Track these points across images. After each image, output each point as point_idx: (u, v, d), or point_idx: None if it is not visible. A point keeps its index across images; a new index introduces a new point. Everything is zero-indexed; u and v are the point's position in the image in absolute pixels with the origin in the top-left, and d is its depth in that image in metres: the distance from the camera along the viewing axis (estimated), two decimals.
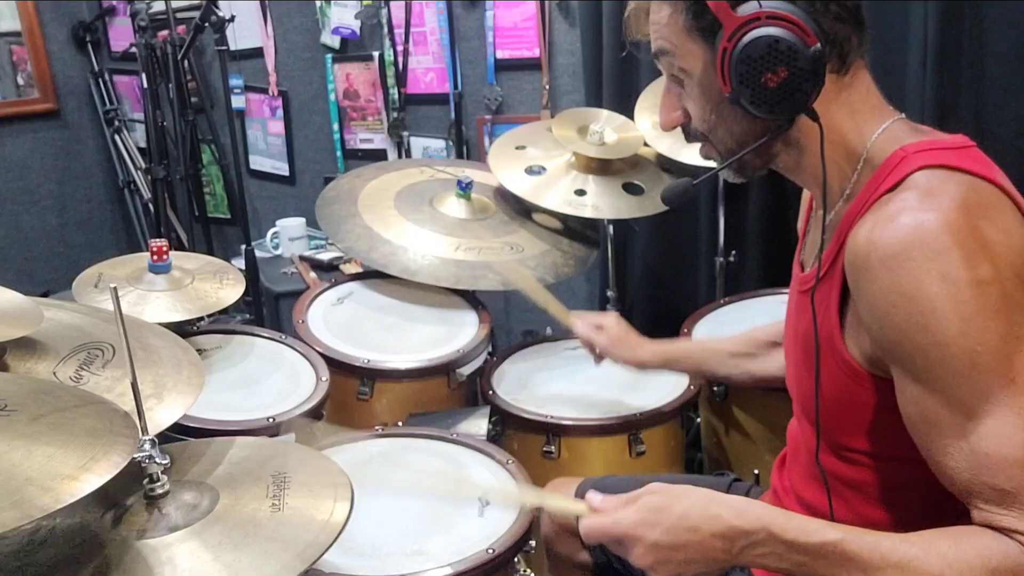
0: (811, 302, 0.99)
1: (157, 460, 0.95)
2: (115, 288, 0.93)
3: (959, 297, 0.84)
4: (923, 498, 0.92)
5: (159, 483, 0.97)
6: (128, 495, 0.99)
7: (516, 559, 1.27)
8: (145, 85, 3.39)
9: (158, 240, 1.65)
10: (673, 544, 0.89)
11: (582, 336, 1.57)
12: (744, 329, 1.90)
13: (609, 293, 2.27)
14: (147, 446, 0.94)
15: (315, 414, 1.60)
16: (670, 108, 1.08)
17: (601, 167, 2.01)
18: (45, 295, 2.66)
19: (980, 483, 0.84)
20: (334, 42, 3.19)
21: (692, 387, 1.70)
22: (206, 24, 2.86)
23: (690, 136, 1.08)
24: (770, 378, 1.42)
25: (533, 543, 1.29)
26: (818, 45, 0.91)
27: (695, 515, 0.89)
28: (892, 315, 0.87)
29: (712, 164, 1.10)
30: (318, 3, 3.17)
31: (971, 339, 0.84)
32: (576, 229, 2.06)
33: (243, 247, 2.96)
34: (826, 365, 0.99)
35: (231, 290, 1.69)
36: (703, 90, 1.01)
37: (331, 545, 0.93)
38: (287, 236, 3.20)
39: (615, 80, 2.42)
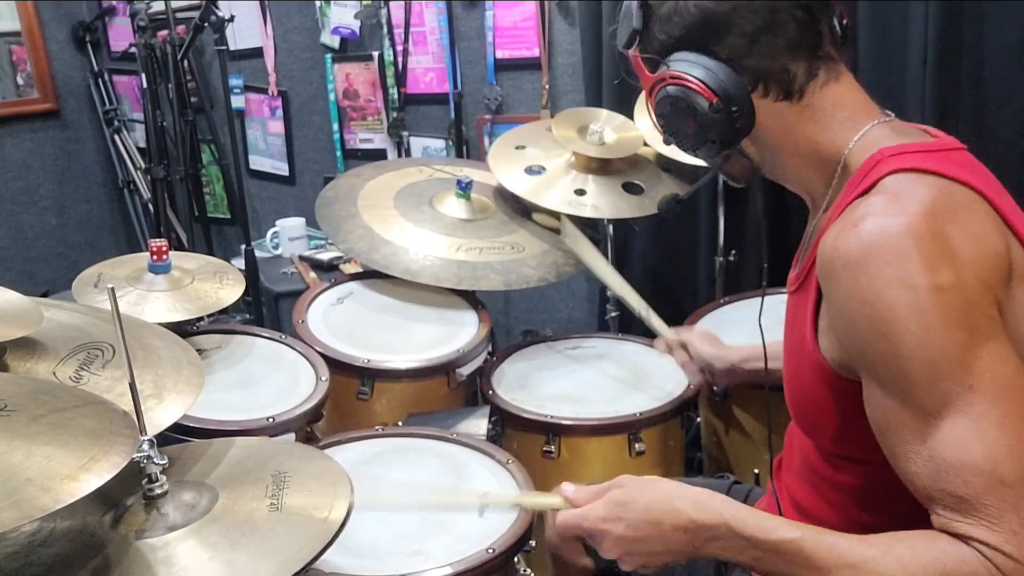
0: (800, 303, 1.01)
1: (155, 460, 0.96)
2: (112, 289, 0.93)
3: (918, 304, 0.83)
4: (914, 504, 0.92)
5: (158, 483, 0.97)
6: (128, 495, 0.99)
7: (516, 559, 1.27)
8: (145, 85, 3.39)
9: (158, 240, 1.65)
10: (637, 537, 0.94)
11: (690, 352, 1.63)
12: (744, 328, 1.90)
13: (609, 293, 2.27)
14: (145, 446, 0.94)
15: (315, 414, 1.60)
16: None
17: (601, 167, 2.01)
18: (45, 295, 2.66)
19: (939, 489, 0.84)
20: (334, 42, 3.19)
21: (692, 387, 1.70)
22: (206, 24, 2.86)
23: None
24: None
25: (533, 543, 1.29)
26: (715, 102, 0.98)
27: (657, 509, 0.94)
28: (856, 322, 0.88)
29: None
30: (318, 3, 3.17)
31: (929, 348, 0.83)
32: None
33: (243, 247, 2.96)
34: (803, 368, 0.99)
35: (231, 290, 1.69)
36: None
37: (329, 545, 0.93)
38: (287, 236, 3.20)
39: (615, 80, 2.42)
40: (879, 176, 0.91)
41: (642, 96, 2.11)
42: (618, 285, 1.79)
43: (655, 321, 1.68)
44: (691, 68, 0.99)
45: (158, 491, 0.97)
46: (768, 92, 0.99)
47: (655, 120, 1.08)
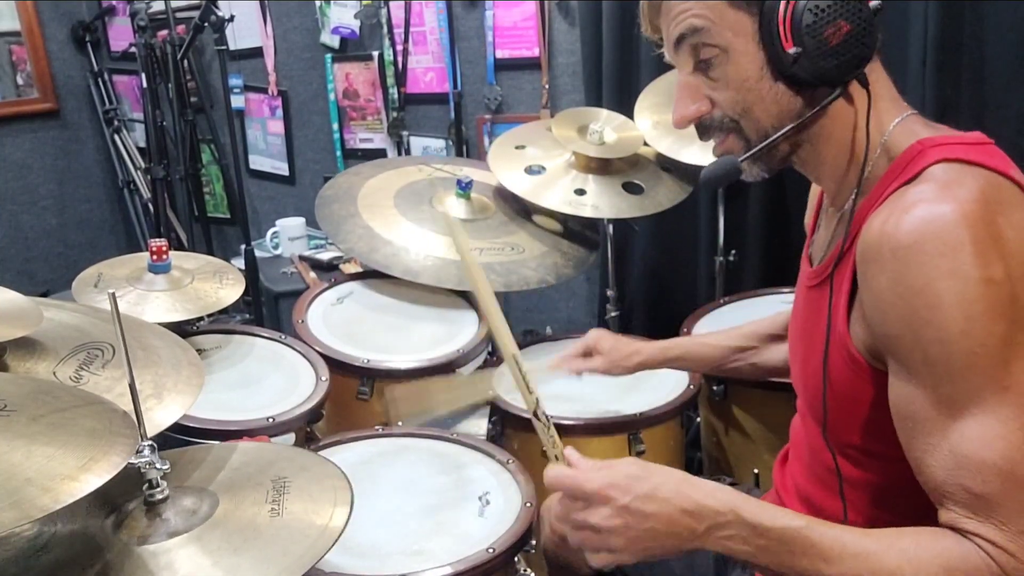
0: (827, 295, 0.99)
1: (157, 466, 0.95)
2: (113, 293, 0.93)
3: (967, 295, 0.83)
4: (930, 502, 0.91)
5: (159, 488, 0.97)
6: (129, 500, 0.99)
7: (516, 559, 1.27)
8: (145, 85, 3.39)
9: (158, 240, 1.65)
10: (642, 511, 0.89)
11: (575, 372, 1.52)
12: None
13: (609, 293, 2.27)
14: (147, 451, 0.94)
15: (315, 414, 1.60)
16: (690, 100, 1.02)
17: (601, 167, 2.01)
18: (45, 295, 2.66)
19: (954, 484, 0.84)
20: (334, 42, 3.19)
21: (692, 387, 1.70)
22: (205, 24, 2.86)
23: (710, 130, 1.04)
24: (773, 369, 1.42)
25: (533, 543, 1.29)
26: (878, 2, 0.91)
27: (667, 489, 0.90)
28: (898, 307, 0.87)
29: None
30: (318, 3, 3.17)
31: (973, 339, 0.83)
32: (576, 229, 2.06)
33: (243, 247, 2.96)
34: (834, 359, 0.98)
35: (231, 290, 1.69)
36: (742, 66, 0.98)
37: (328, 550, 0.93)
38: (287, 236, 3.20)
39: (615, 80, 2.42)
40: (925, 165, 0.91)
41: (642, 95, 2.13)
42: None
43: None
44: None
45: (159, 496, 0.97)
46: None
47: (792, 27, 0.93)
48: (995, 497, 0.82)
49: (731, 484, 1.37)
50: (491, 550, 1.20)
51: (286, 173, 3.52)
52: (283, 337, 1.79)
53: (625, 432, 1.63)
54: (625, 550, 0.91)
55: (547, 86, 2.73)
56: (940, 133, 0.97)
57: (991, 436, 0.82)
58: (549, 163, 2.05)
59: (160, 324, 1.34)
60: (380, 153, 3.21)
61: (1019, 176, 0.91)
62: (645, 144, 2.05)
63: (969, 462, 0.83)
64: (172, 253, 1.66)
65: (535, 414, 1.03)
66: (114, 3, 3.75)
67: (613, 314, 2.28)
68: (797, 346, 1.12)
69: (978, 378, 0.83)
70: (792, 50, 0.93)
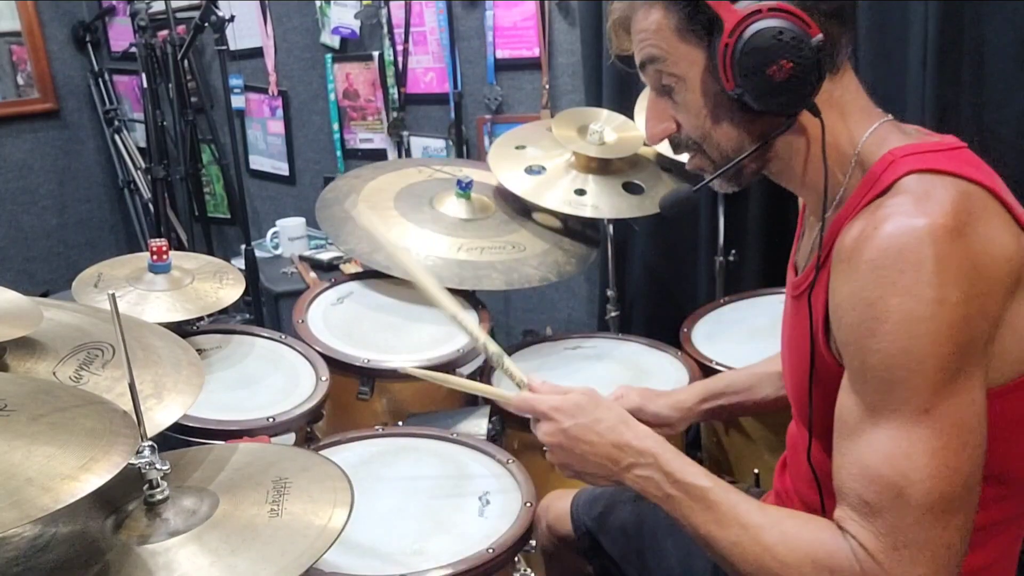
0: (806, 304, 0.99)
1: (157, 466, 0.96)
2: (113, 294, 0.93)
3: (915, 314, 0.83)
4: None
5: (159, 489, 0.97)
6: (129, 501, 0.99)
7: (516, 559, 1.27)
8: (145, 85, 3.40)
9: (158, 240, 1.65)
10: (577, 437, 1.05)
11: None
12: (744, 328, 1.90)
13: (609, 293, 2.27)
14: (147, 452, 0.94)
15: (315, 414, 1.60)
16: (658, 119, 1.06)
17: (601, 167, 2.01)
18: (45, 295, 2.66)
19: (851, 487, 0.87)
20: (334, 42, 3.19)
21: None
22: (206, 24, 2.86)
23: (679, 147, 1.07)
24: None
25: (533, 543, 1.29)
26: (820, 36, 0.91)
27: (605, 424, 1.04)
28: (851, 316, 0.88)
29: None
30: (318, 3, 3.17)
31: (910, 357, 0.83)
32: (576, 229, 2.06)
33: (243, 247, 2.96)
34: (818, 368, 0.99)
35: (231, 290, 1.69)
36: (698, 94, 1.00)
37: (326, 551, 0.93)
38: (287, 236, 3.20)
39: (615, 80, 2.42)
40: (896, 176, 0.90)
41: (642, 96, 2.13)
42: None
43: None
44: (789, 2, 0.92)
45: (159, 497, 0.97)
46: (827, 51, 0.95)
47: (733, 66, 0.93)
48: (882, 510, 0.84)
49: (730, 483, 1.37)
50: (491, 550, 1.20)
51: (286, 173, 3.52)
52: (283, 337, 1.79)
53: None
54: (559, 465, 1.09)
55: (547, 86, 2.73)
56: (914, 139, 0.96)
57: (896, 453, 0.84)
58: (549, 163, 2.05)
59: (160, 324, 1.34)
60: (380, 153, 3.21)
61: (990, 181, 0.90)
62: (645, 144, 2.05)
63: (868, 471, 0.85)
64: (172, 253, 1.66)
65: (486, 352, 1.19)
66: (114, 3, 3.75)
67: (613, 314, 2.28)
68: (786, 354, 1.12)
69: (904, 395, 0.84)
70: (733, 91, 0.95)
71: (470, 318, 1.17)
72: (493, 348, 1.18)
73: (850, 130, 0.98)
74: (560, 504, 1.44)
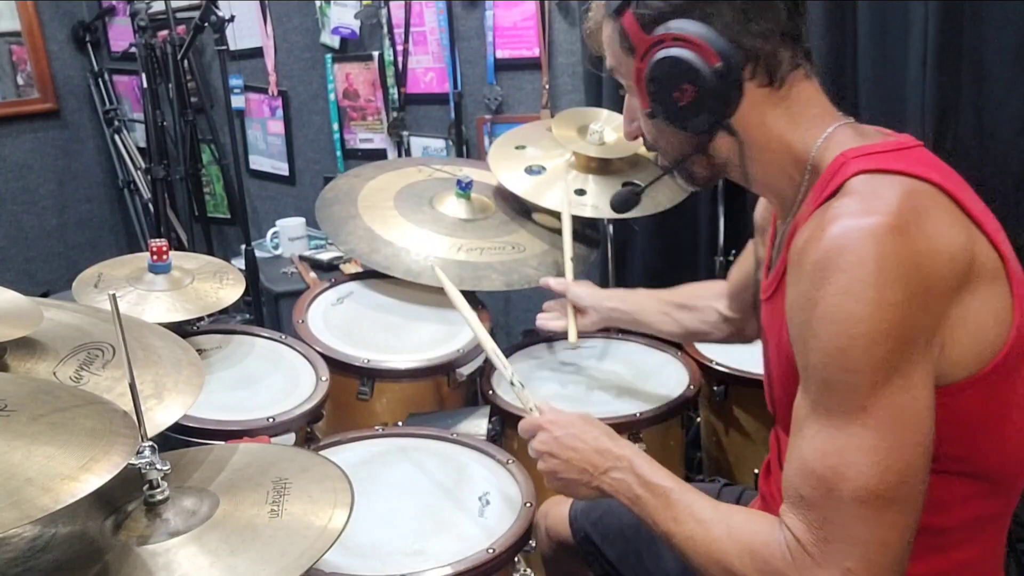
0: (773, 308, 1.01)
1: (157, 466, 0.96)
2: (113, 295, 0.93)
3: (855, 314, 0.83)
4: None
5: (159, 489, 0.97)
6: (129, 501, 0.99)
7: (516, 559, 1.27)
8: (145, 85, 3.39)
9: (158, 240, 1.65)
10: (566, 444, 1.13)
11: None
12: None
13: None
14: (147, 452, 0.94)
15: (315, 414, 1.60)
16: (629, 118, 1.14)
17: (601, 167, 2.01)
18: (45, 295, 2.66)
19: (790, 482, 0.90)
20: (334, 42, 3.19)
21: (692, 387, 1.70)
22: (206, 24, 2.86)
23: (649, 146, 1.14)
24: (698, 334, 1.57)
25: (533, 543, 1.29)
26: (719, 64, 0.96)
27: (591, 435, 1.13)
28: (799, 316, 0.89)
29: None
30: (318, 3, 3.17)
31: (848, 357, 0.84)
32: (576, 229, 2.05)
33: (243, 247, 2.96)
34: (787, 372, 0.99)
35: (231, 290, 1.69)
36: (640, 105, 1.07)
37: (326, 551, 0.93)
38: (287, 236, 3.20)
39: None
40: (845, 177, 0.91)
41: None
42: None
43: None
44: (694, 28, 0.97)
45: (159, 497, 0.97)
46: (755, 73, 0.98)
47: (644, 88, 1.02)
48: (814, 504, 0.87)
49: (726, 485, 1.38)
50: (491, 550, 1.20)
51: (286, 173, 3.52)
52: (283, 337, 1.79)
53: (625, 432, 1.63)
54: (547, 472, 1.15)
55: (547, 86, 2.73)
56: (871, 141, 0.97)
57: (829, 449, 0.86)
58: (549, 163, 2.05)
59: (160, 324, 1.34)
60: (380, 153, 3.21)
61: (942, 178, 0.90)
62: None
63: (805, 466, 0.88)
64: (172, 253, 1.66)
65: (511, 382, 1.27)
66: (114, 3, 3.75)
67: None
68: (764, 357, 1.14)
69: (841, 393, 0.85)
70: (646, 111, 1.05)
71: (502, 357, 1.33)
72: (517, 381, 1.27)
73: (802, 137, 1.00)
74: (559, 509, 1.44)
